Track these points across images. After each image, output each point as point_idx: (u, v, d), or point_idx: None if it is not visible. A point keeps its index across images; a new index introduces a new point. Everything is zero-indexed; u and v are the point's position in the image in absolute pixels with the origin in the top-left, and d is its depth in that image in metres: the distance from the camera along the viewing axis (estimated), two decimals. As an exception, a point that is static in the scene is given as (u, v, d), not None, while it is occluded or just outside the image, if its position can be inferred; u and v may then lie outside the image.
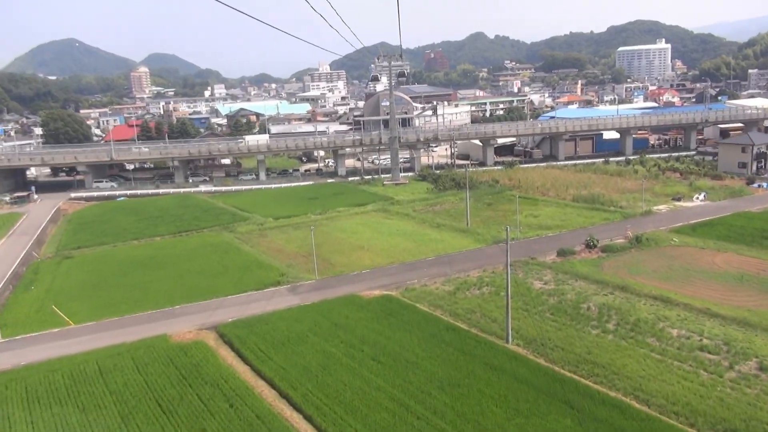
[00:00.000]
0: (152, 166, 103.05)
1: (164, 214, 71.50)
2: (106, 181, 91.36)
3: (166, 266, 50.45)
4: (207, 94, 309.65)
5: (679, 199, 69.20)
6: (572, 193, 73.58)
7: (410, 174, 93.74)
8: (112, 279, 48.28)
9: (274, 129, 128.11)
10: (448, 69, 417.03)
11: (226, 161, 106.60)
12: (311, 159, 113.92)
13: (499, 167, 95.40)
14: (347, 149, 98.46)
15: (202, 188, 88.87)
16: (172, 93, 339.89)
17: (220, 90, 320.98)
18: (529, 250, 51.39)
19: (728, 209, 62.73)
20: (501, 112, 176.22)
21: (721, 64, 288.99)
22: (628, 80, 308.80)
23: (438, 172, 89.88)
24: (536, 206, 68.87)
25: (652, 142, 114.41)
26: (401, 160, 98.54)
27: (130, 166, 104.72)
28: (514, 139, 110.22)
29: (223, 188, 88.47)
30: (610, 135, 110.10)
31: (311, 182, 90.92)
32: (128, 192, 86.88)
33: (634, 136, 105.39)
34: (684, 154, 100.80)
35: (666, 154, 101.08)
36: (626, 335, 34.04)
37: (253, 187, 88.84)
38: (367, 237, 58.27)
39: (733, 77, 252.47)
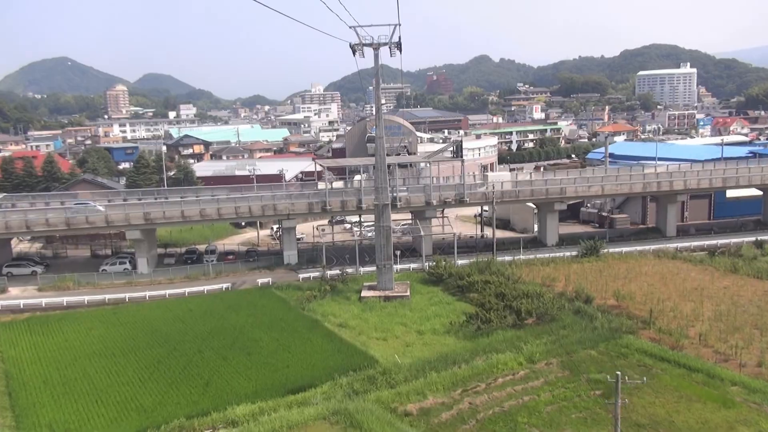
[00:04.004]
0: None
1: None
2: None
3: None
4: (172, 115, 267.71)
5: None
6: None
7: (413, 266, 50.98)
8: None
9: (207, 169, 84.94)
10: (452, 92, 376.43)
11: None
12: (252, 223, 70.77)
13: (571, 253, 52.75)
14: (300, 216, 55.76)
15: (7, 299, 45.63)
16: (151, 114, 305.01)
17: (187, 111, 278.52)
18: None
19: None
20: (530, 144, 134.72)
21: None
22: (658, 107, 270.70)
23: (464, 265, 47.48)
24: (732, 410, 26.34)
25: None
26: (398, 228, 56.40)
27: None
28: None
29: (46, 299, 44.86)
30: (734, 193, 68.60)
31: (226, 284, 48.00)
32: None
33: None
34: None
35: None
36: None
37: (109, 296, 45.48)
38: None
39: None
